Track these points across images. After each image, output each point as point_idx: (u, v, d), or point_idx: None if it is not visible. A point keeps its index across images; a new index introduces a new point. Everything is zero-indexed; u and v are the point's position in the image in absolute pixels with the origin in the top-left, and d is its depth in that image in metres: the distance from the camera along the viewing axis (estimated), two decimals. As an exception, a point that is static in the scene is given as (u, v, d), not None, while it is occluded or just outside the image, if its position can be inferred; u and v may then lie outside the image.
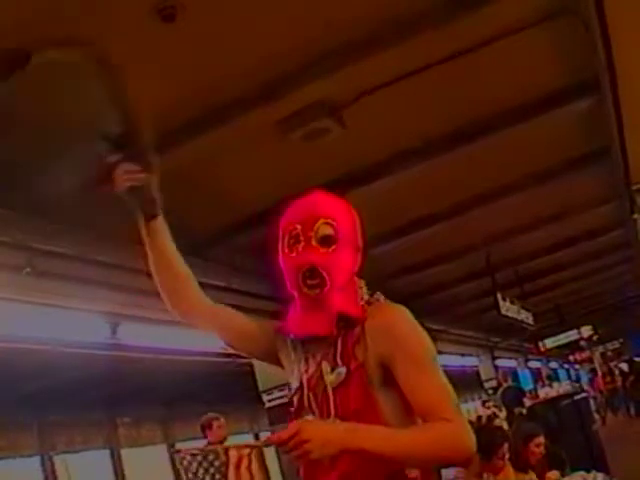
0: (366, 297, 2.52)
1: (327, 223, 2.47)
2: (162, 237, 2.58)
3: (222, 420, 8.81)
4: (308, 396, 2.46)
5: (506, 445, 5.84)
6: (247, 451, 2.37)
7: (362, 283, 2.57)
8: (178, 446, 17.72)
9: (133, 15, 4.47)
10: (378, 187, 7.49)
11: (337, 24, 5.04)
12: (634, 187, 9.33)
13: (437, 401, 2.27)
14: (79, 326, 7.58)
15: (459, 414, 2.29)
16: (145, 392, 14.88)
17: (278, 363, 2.69)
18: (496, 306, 13.75)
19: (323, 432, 2.15)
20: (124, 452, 16.36)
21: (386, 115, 6.44)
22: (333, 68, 5.33)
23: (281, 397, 9.77)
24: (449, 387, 2.32)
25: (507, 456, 5.83)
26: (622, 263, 18.17)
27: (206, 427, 8.74)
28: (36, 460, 14.36)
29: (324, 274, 2.42)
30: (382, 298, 2.54)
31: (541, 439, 6.59)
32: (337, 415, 2.34)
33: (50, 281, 6.48)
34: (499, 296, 13.79)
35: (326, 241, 2.46)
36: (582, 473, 7.14)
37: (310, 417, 2.40)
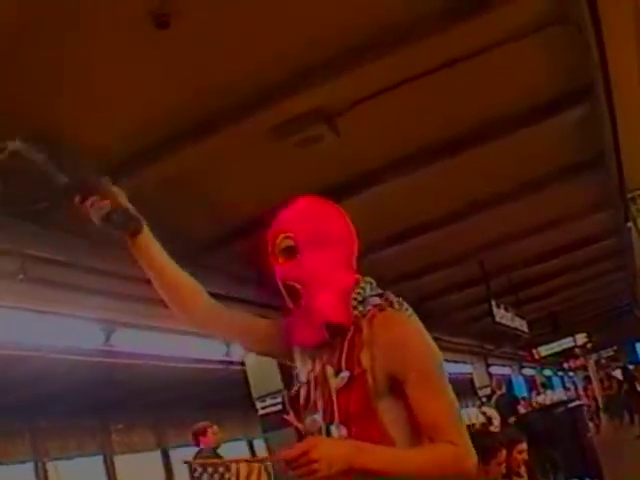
0: (375, 301, 2.50)
1: (285, 237, 2.54)
2: (152, 252, 2.56)
3: (215, 427, 8.92)
4: (315, 394, 2.51)
5: (504, 451, 5.80)
6: (257, 465, 2.48)
7: (365, 282, 2.57)
8: (172, 453, 17.69)
9: (128, 21, 4.47)
10: (372, 194, 7.49)
11: (332, 31, 5.04)
12: (628, 195, 9.34)
13: (444, 422, 2.32)
14: (73, 333, 7.56)
15: (464, 436, 2.34)
16: (138, 399, 14.85)
17: (292, 359, 2.71)
18: (490, 313, 13.76)
19: (331, 451, 2.19)
20: (117, 458, 16.33)
21: (380, 123, 6.44)
22: (328, 75, 5.33)
23: (274, 404, 9.76)
24: (456, 406, 2.39)
25: (504, 464, 5.78)
26: (616, 271, 18.19)
27: (199, 434, 8.82)
28: (29, 466, 14.33)
29: (296, 286, 2.49)
30: (395, 300, 2.53)
31: (524, 446, 6.54)
32: (340, 418, 2.40)
33: (44, 288, 6.47)
34: (493, 303, 13.80)
35: (289, 253, 2.53)
36: (576, 480, 7.13)
37: (317, 417, 2.48)
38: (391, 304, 2.51)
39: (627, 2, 5.15)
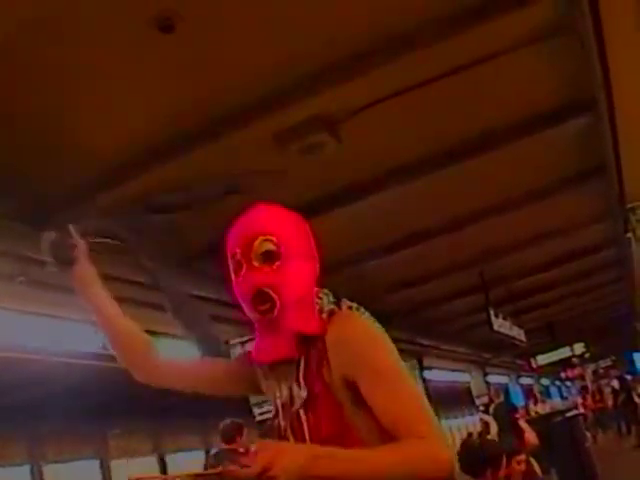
0: (329, 307, 2.33)
1: (266, 239, 2.30)
2: (94, 287, 2.61)
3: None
4: (283, 422, 2.35)
5: (505, 460, 5.81)
6: None
7: (323, 292, 2.39)
8: (168, 459, 17.65)
9: (131, 26, 4.47)
10: (372, 202, 7.48)
11: (335, 40, 5.05)
12: (628, 206, 9.34)
13: (407, 416, 2.10)
14: (71, 336, 7.56)
15: (433, 427, 2.10)
16: (136, 404, 14.82)
17: (261, 392, 2.54)
18: (489, 322, 13.75)
19: (291, 464, 1.93)
20: (114, 463, 16.29)
21: (381, 131, 6.44)
22: (330, 83, 5.34)
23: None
24: (420, 399, 2.16)
25: (504, 473, 5.78)
26: (615, 281, 18.20)
27: (237, 434, 8.18)
28: (25, 470, 14.30)
29: (272, 295, 2.26)
30: (345, 306, 2.35)
31: (523, 457, 6.55)
32: (311, 440, 2.22)
33: (43, 290, 6.46)
34: (492, 312, 13.80)
35: (268, 258, 2.29)
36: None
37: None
38: (341, 309, 2.34)
39: (629, 15, 5.16)
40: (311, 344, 2.28)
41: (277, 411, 2.39)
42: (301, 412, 2.27)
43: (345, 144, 6.21)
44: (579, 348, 24.99)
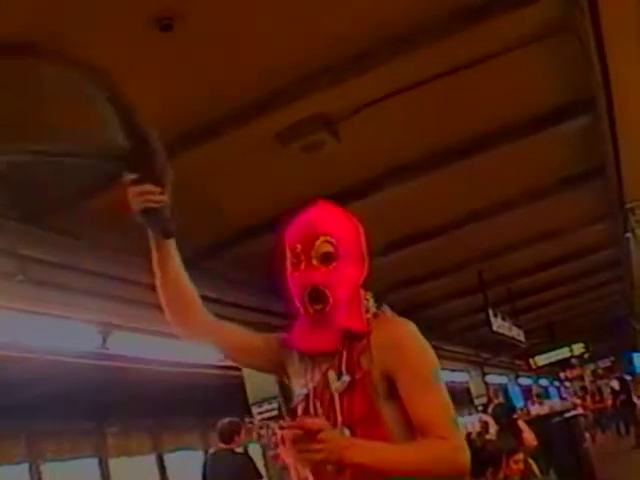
0: (373, 310, 2.56)
1: (326, 241, 2.51)
2: (173, 258, 2.59)
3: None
4: (314, 403, 2.50)
5: (504, 459, 5.85)
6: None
7: (369, 295, 2.61)
8: (166, 457, 17.66)
9: (131, 24, 4.47)
10: (372, 201, 7.48)
11: (335, 39, 5.05)
12: (628, 205, 9.34)
13: (435, 418, 2.34)
14: (70, 335, 7.54)
15: (456, 432, 2.37)
16: (134, 402, 14.81)
17: (284, 374, 2.72)
18: (488, 323, 13.74)
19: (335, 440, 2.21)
20: (112, 461, 16.28)
21: (381, 130, 6.44)
22: (331, 82, 5.34)
23: (271, 409, 9.73)
24: (449, 404, 2.40)
25: (503, 473, 5.80)
26: (614, 281, 18.18)
27: (235, 433, 8.40)
28: (24, 468, 14.29)
29: (327, 293, 2.47)
30: (389, 311, 2.59)
31: (520, 456, 6.57)
32: (343, 422, 2.40)
33: (42, 289, 6.45)
34: (491, 313, 13.78)
35: (326, 259, 2.50)
36: (572, 491, 7.13)
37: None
38: (384, 313, 2.58)
39: (630, 15, 5.16)
40: (355, 338, 2.48)
41: (307, 394, 2.54)
42: (336, 396, 2.45)
43: (345, 143, 6.21)
44: (578, 348, 24.94)
